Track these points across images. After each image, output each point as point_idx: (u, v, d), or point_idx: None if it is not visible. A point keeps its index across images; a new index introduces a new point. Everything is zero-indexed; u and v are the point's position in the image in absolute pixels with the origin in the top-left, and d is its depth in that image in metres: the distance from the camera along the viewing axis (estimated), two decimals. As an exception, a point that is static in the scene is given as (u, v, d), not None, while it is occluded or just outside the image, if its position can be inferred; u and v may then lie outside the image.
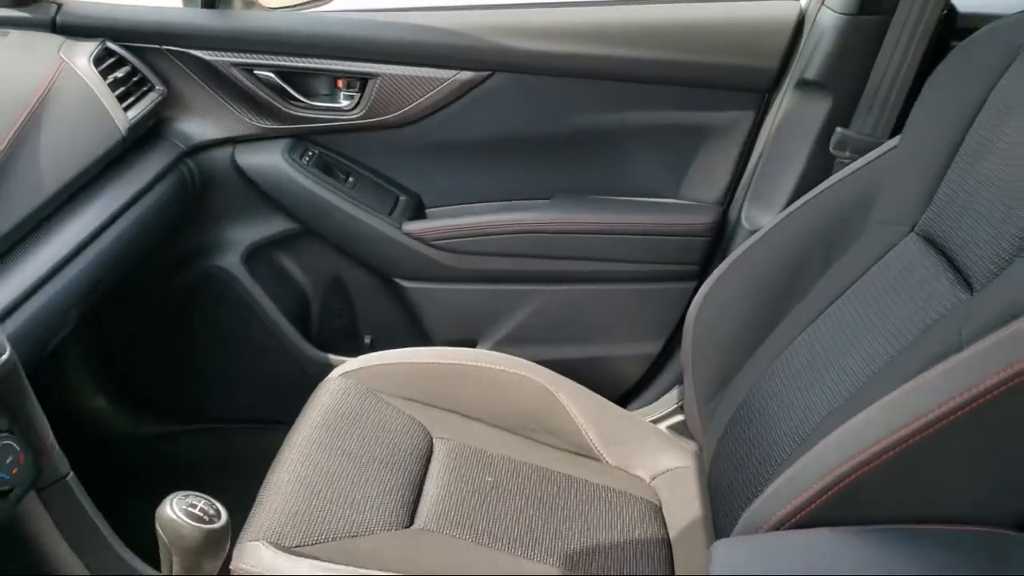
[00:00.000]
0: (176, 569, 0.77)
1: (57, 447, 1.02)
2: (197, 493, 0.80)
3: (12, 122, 1.15)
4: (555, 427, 1.37)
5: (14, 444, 0.88)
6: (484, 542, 1.12)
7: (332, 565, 1.02)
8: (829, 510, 0.86)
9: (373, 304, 1.71)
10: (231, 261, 1.63)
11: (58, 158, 1.21)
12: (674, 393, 1.62)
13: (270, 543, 1.02)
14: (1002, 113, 1.04)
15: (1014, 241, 0.91)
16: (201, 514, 0.78)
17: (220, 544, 0.79)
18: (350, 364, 1.38)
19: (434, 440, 1.27)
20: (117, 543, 1.07)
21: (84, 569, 1.01)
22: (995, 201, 0.98)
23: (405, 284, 1.66)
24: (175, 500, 0.78)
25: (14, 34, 1.39)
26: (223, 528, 0.79)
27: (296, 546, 1.03)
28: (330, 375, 1.37)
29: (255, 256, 1.66)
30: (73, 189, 1.24)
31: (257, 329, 1.66)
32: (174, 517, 0.76)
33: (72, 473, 1.03)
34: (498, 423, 1.36)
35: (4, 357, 0.87)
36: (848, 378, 1.02)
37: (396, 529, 1.11)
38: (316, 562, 1.01)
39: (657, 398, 1.65)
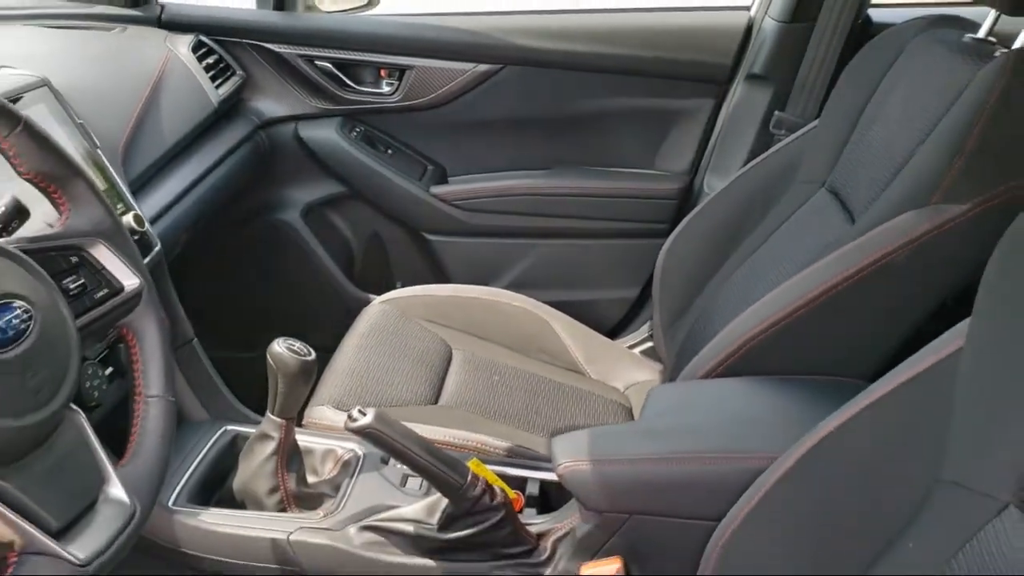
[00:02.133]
0: (281, 389, 1.09)
1: (185, 318, 1.32)
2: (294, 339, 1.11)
3: (141, 93, 1.45)
4: (549, 348, 1.63)
5: None
6: (490, 416, 1.39)
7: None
8: (738, 365, 1.18)
9: (404, 253, 1.98)
10: (292, 216, 1.91)
11: (172, 120, 1.50)
12: (646, 327, 1.85)
13: (332, 406, 1.34)
14: (886, 94, 1.34)
15: (884, 182, 1.21)
16: (298, 351, 1.09)
17: (310, 372, 1.09)
18: (386, 295, 1.66)
19: (453, 350, 1.54)
20: (229, 394, 1.37)
21: (206, 413, 1.32)
22: (876, 156, 1.27)
23: (430, 237, 1.94)
24: (280, 340, 1.09)
25: (130, 29, 1.69)
26: (312, 361, 1.09)
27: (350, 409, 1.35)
28: (371, 303, 1.67)
29: (311, 213, 1.94)
30: (183, 145, 1.52)
31: (311, 272, 1.93)
32: (280, 351, 1.07)
33: (196, 339, 1.34)
34: (503, 343, 1.62)
35: (157, 248, 1.19)
36: (768, 290, 1.29)
37: (424, 404, 1.40)
38: None
39: (633, 330, 1.89)
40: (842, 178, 1.37)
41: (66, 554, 0.65)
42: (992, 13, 1.24)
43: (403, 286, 1.77)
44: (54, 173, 0.78)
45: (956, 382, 0.76)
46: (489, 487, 1.01)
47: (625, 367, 1.65)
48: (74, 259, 0.78)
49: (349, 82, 1.86)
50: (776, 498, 0.87)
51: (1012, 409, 0.70)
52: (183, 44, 1.69)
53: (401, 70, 1.84)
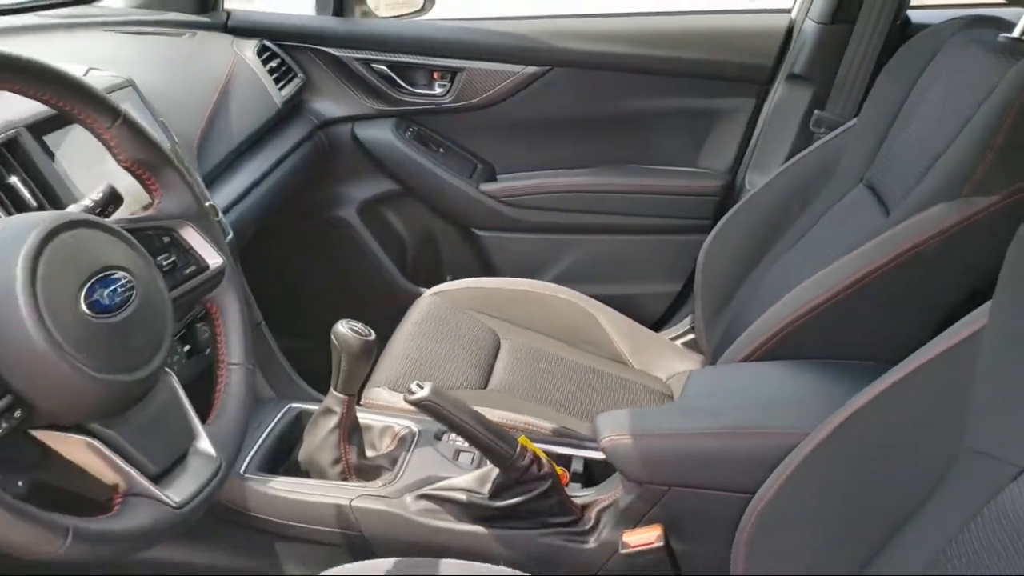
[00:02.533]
0: (343, 366, 1.17)
1: (254, 302, 1.40)
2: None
3: (212, 94, 1.55)
4: (593, 339, 1.68)
5: None
6: (537, 401, 1.45)
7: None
8: (775, 350, 1.24)
9: (454, 248, 2.06)
10: (348, 212, 2.00)
11: (240, 120, 1.59)
12: (688, 320, 1.89)
13: (387, 388, 1.42)
14: (922, 92, 1.38)
15: (918, 176, 1.26)
16: (360, 331, 1.17)
17: (370, 351, 1.17)
18: (437, 287, 1.72)
19: (501, 340, 1.61)
20: (294, 374, 1.45)
21: (272, 392, 1.39)
22: (911, 152, 1.32)
23: (479, 233, 2.02)
24: (344, 322, 1.17)
25: (199, 34, 1.78)
26: (372, 341, 1.16)
27: (405, 388, 1.41)
28: (423, 294, 1.74)
29: (366, 209, 2.02)
30: (249, 143, 1.61)
31: (366, 266, 2.02)
32: (344, 332, 1.15)
33: (263, 321, 1.42)
34: (549, 333, 1.67)
35: (230, 237, 1.28)
36: (806, 279, 1.35)
37: (473, 389, 1.46)
38: None
39: (676, 323, 1.94)
40: (879, 174, 1.41)
41: (164, 497, 0.73)
42: (1026, 12, 1.28)
43: (453, 279, 1.81)
44: (149, 161, 0.86)
45: (979, 359, 0.81)
46: (536, 458, 1.08)
47: (667, 358, 1.69)
48: (166, 239, 0.86)
49: (403, 84, 1.94)
50: (808, 471, 0.92)
51: None
52: (248, 48, 1.79)
53: (453, 72, 1.92)
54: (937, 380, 0.84)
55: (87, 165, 1.11)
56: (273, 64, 1.83)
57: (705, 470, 1.06)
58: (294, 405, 1.34)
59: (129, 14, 1.79)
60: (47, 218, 0.71)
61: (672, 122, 1.93)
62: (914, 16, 1.76)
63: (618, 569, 1.10)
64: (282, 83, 1.82)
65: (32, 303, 0.65)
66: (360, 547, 1.12)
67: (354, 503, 1.13)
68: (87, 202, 0.86)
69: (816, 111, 1.77)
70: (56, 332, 0.66)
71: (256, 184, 1.61)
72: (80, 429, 0.70)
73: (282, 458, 1.25)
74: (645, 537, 1.06)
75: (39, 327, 0.65)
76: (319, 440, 1.19)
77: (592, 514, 1.13)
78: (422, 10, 2.00)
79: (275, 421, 1.29)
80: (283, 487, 1.15)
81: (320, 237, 2.01)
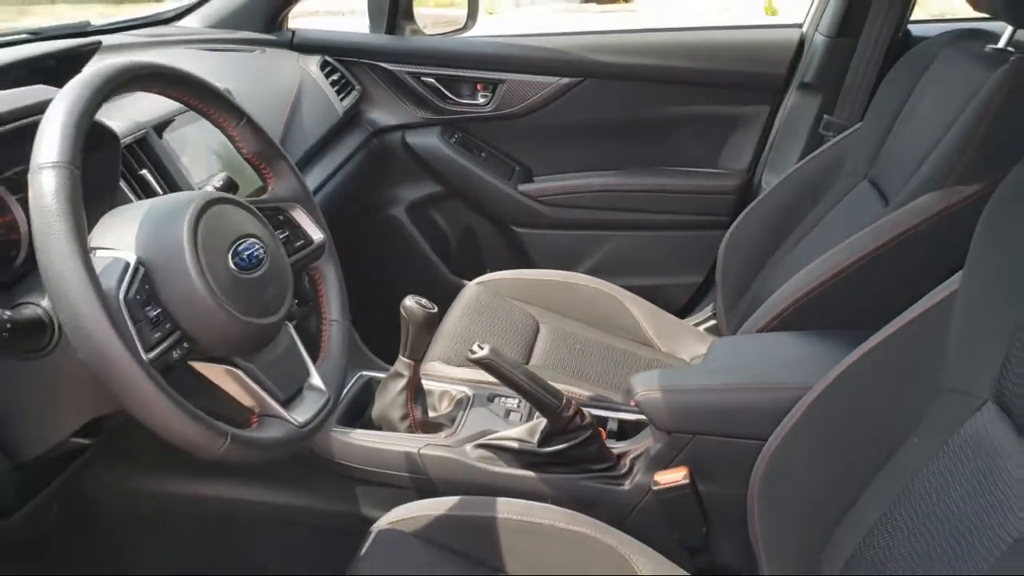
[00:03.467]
0: (411, 336, 1.34)
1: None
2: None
3: (285, 104, 1.73)
4: (623, 325, 1.83)
5: None
6: (573, 376, 1.61)
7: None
8: (787, 322, 1.40)
9: (493, 244, 2.23)
10: (399, 211, 2.18)
11: (309, 127, 1.77)
12: (710, 307, 2.06)
13: (442, 361, 1.59)
14: (918, 97, 1.53)
15: (912, 171, 1.41)
16: (424, 305, 1.34)
17: (432, 322, 1.34)
18: (480, 278, 1.88)
19: (539, 324, 1.76)
20: (363, 346, 1.62)
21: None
22: (907, 150, 1.47)
23: (518, 230, 2.19)
24: (410, 297, 1.34)
25: (269, 51, 1.97)
26: (435, 313, 1.33)
27: (457, 365, 1.59)
28: (468, 284, 1.91)
29: (414, 209, 2.20)
30: (316, 149, 1.79)
31: (413, 260, 2.19)
32: (411, 305, 1.32)
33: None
34: (582, 319, 1.83)
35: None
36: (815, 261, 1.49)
37: None
38: (467, 369, 1.53)
39: (699, 312, 2.10)
40: (880, 170, 1.57)
41: (290, 418, 0.91)
42: (1009, 27, 1.44)
43: (492, 272, 1.92)
44: (266, 154, 1.05)
45: (952, 316, 0.97)
46: (579, 410, 1.25)
47: (691, 341, 1.82)
48: (280, 218, 1.04)
49: (449, 95, 2.13)
50: (811, 418, 1.08)
51: (994, 324, 0.89)
52: (312, 63, 1.98)
53: (495, 84, 2.11)
54: (917, 335, 1.00)
55: (195, 159, 1.30)
56: (334, 77, 2.01)
57: (724, 420, 1.23)
58: (364, 373, 1.52)
59: (205, 33, 1.98)
60: (200, 195, 0.89)
61: (694, 127, 2.10)
62: (914, 30, 1.92)
63: (649, 508, 1.27)
64: (342, 95, 2.00)
65: (195, 260, 0.83)
66: (427, 489, 1.29)
67: (422, 451, 1.31)
68: (211, 188, 1.05)
69: (825, 116, 1.93)
70: (212, 283, 0.84)
71: (321, 187, 1.78)
72: (227, 362, 0.88)
73: (357, 416, 1.42)
74: (673, 476, 1.22)
75: (201, 279, 0.83)
76: (389, 399, 1.37)
77: (626, 461, 1.30)
78: (465, 28, 2.19)
79: (350, 386, 1.47)
80: (361, 438, 1.33)
81: (373, 234, 2.18)
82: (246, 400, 0.90)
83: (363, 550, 1.12)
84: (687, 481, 1.22)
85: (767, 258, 1.73)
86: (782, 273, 1.61)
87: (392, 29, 2.12)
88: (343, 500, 1.33)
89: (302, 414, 0.93)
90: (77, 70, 1.32)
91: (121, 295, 0.77)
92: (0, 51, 1.29)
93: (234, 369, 0.88)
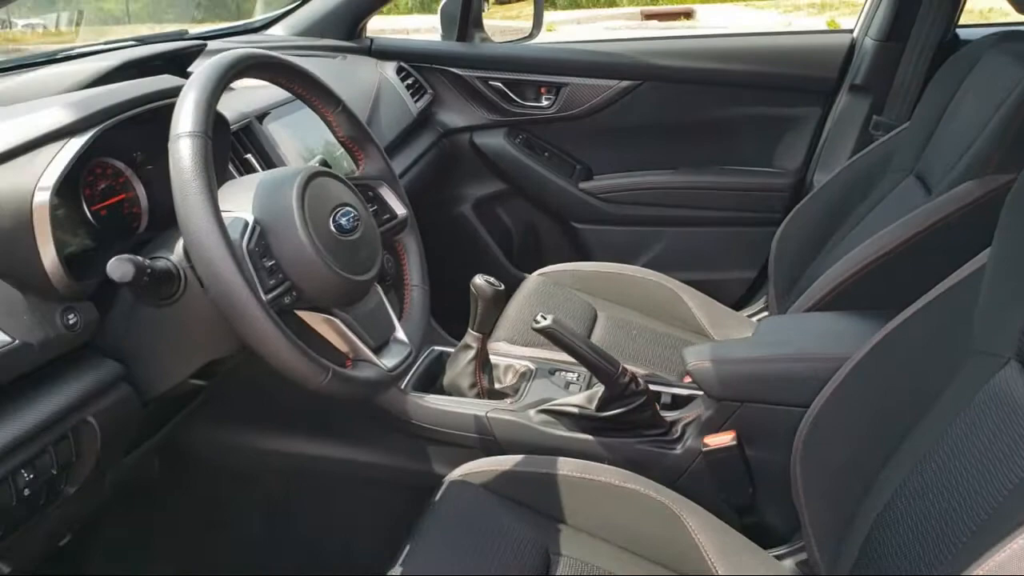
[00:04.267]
0: (480, 311, 1.46)
1: None
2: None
3: (366, 105, 1.87)
4: (678, 315, 1.90)
5: None
6: (630, 359, 1.67)
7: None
8: (832, 302, 1.48)
9: (554, 239, 2.34)
10: (466, 208, 2.31)
11: (386, 127, 1.91)
12: (763, 300, 2.13)
13: (506, 341, 1.70)
14: (962, 96, 1.61)
15: (953, 163, 1.49)
16: (492, 283, 1.46)
17: (500, 299, 1.45)
18: (542, 270, 1.98)
19: (597, 312, 1.85)
20: (434, 323, 1.73)
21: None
22: (951, 144, 1.55)
23: (578, 226, 2.30)
24: (480, 276, 1.46)
25: (350, 57, 2.12)
26: (503, 291, 1.45)
27: (521, 344, 1.69)
28: (530, 275, 2.02)
29: (480, 205, 2.33)
30: (392, 147, 1.92)
31: (479, 254, 2.31)
32: (481, 283, 1.44)
33: None
34: (639, 309, 1.91)
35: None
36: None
37: None
38: (529, 348, 1.65)
39: (752, 305, 2.17)
40: (925, 165, 1.65)
41: (380, 363, 1.03)
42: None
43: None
44: (358, 138, 1.18)
45: (981, 285, 1.05)
46: (634, 377, 1.35)
47: (744, 330, 1.85)
48: (370, 193, 1.18)
49: (515, 98, 2.25)
50: (849, 385, 1.16)
51: (1019, 289, 0.98)
52: (389, 68, 2.13)
53: (558, 87, 2.23)
54: (948, 306, 1.08)
55: (289, 147, 1.44)
56: (408, 82, 2.16)
57: (770, 388, 1.32)
58: (436, 347, 1.65)
59: (291, 40, 2.14)
60: (305, 169, 1.02)
61: (748, 128, 2.19)
62: (962, 33, 1.99)
63: (700, 471, 1.36)
64: (416, 97, 2.14)
65: (304, 222, 0.96)
66: (492, 449, 1.41)
67: (489, 414, 1.42)
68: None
69: (875, 116, 2.01)
70: (317, 241, 0.97)
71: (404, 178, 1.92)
72: (327, 311, 1.01)
73: (430, 384, 1.55)
74: (722, 439, 1.32)
75: (308, 238, 0.96)
76: (459, 369, 1.50)
77: (678, 427, 1.39)
78: (530, 36, 2.32)
79: (423, 358, 1.60)
80: (435, 402, 1.45)
81: (441, 229, 2.28)
82: (341, 346, 1.03)
83: (436, 497, 1.24)
84: (735, 443, 1.31)
85: (817, 251, 1.81)
86: (830, 263, 1.69)
87: (463, 37, 2.25)
88: (416, 458, 1.46)
89: (389, 361, 1.05)
90: (182, 70, 1.49)
91: (244, 246, 0.91)
92: (114, 53, 1.46)
93: (332, 318, 1.01)
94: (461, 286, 1.48)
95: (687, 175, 2.24)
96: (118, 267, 0.89)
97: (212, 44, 1.78)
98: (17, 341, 0.89)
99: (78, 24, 2.26)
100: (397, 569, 1.09)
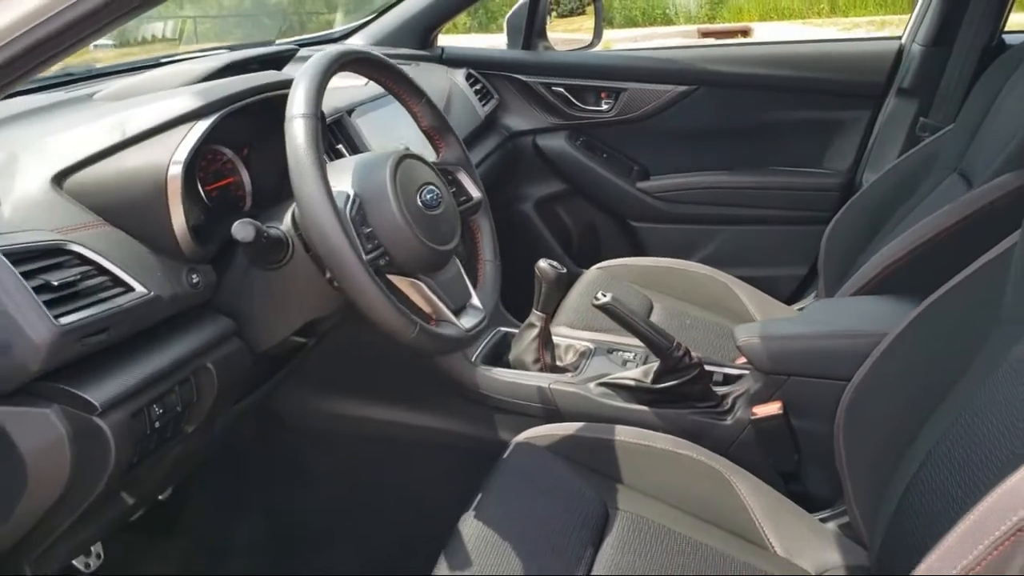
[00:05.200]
0: (543, 292, 1.57)
1: None
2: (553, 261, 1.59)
3: (440, 108, 2.03)
4: (730, 307, 1.99)
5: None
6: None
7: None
8: (875, 287, 1.56)
9: (612, 237, 2.45)
10: (528, 207, 2.44)
11: (456, 127, 2.02)
12: (813, 296, 2.19)
13: (567, 326, 1.81)
14: (1005, 97, 1.69)
15: (994, 158, 1.57)
16: (555, 266, 1.57)
17: (562, 281, 1.57)
18: (601, 264, 2.09)
19: (653, 303, 1.94)
20: (501, 306, 1.85)
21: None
22: (992, 142, 1.62)
23: (635, 224, 2.41)
24: (543, 260, 1.58)
25: (423, 64, 2.25)
26: (564, 273, 1.57)
27: (581, 328, 1.81)
28: (588, 269, 2.13)
29: (541, 205, 2.45)
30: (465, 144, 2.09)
31: (540, 251, 2.38)
32: (544, 266, 1.56)
33: None
34: (693, 302, 1.99)
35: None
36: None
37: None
38: (588, 332, 1.78)
39: (803, 300, 2.23)
40: (968, 163, 1.72)
41: (458, 323, 1.16)
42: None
43: None
44: (438, 127, 1.32)
45: (1012, 261, 1.14)
46: (687, 351, 1.45)
47: None
48: (449, 177, 1.31)
49: (576, 102, 2.37)
50: (888, 358, 1.24)
51: None
52: (459, 75, 2.27)
53: (617, 92, 2.34)
54: (981, 282, 1.15)
55: (374, 139, 1.58)
56: (476, 87, 2.30)
57: (815, 362, 1.41)
58: (502, 328, 1.77)
59: (369, 49, 2.29)
60: (396, 152, 1.16)
61: (800, 130, 2.28)
62: (1008, 39, 2.05)
63: (748, 441, 1.46)
64: (483, 102, 2.28)
65: (396, 197, 1.09)
66: (554, 418, 1.51)
67: (551, 386, 1.54)
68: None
69: (921, 118, 2.08)
70: (407, 214, 1.10)
71: None
72: (413, 276, 1.14)
73: (497, 361, 1.67)
74: (769, 409, 1.41)
75: (399, 211, 1.09)
76: (524, 345, 1.61)
77: (729, 400, 1.49)
78: (591, 45, 2.44)
79: (490, 337, 1.72)
80: (502, 374, 1.57)
81: (505, 226, 2.40)
82: (425, 307, 1.15)
83: (504, 456, 1.36)
84: (781, 412, 1.41)
85: (865, 246, 1.88)
86: (876, 249, 1.77)
87: (527, 46, 2.38)
88: (484, 425, 1.58)
89: (467, 322, 1.18)
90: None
91: (347, 213, 1.04)
92: (216, 56, 1.61)
93: (418, 282, 1.14)
94: (523, 280, 1.60)
95: (740, 175, 2.34)
96: (242, 229, 1.03)
97: (303, 51, 1.94)
98: (153, 293, 1.03)
99: (145, 42, 2.44)
100: (471, 514, 1.21)
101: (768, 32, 9.85)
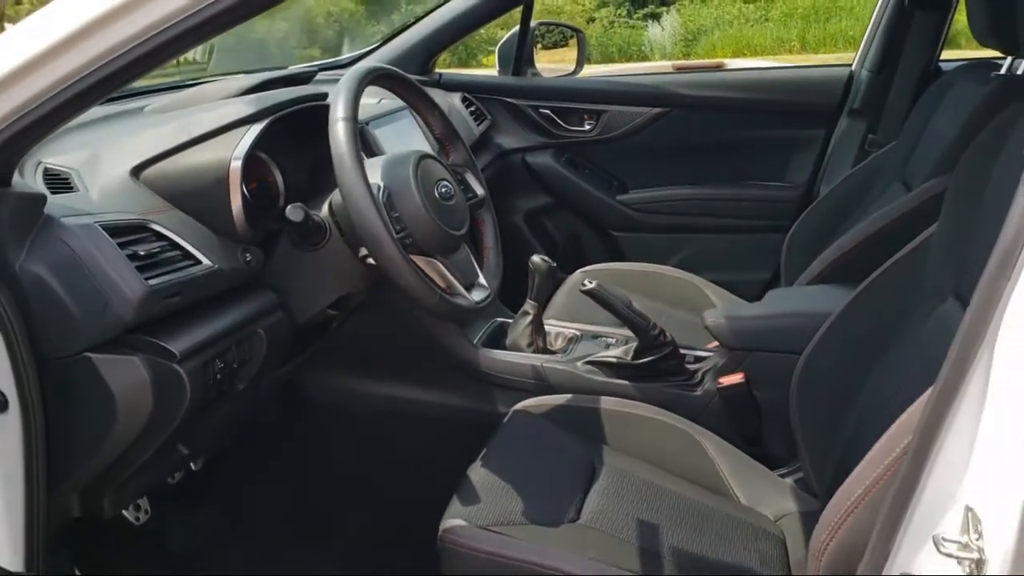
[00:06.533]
0: (536, 283, 1.77)
1: None
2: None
3: None
4: (700, 305, 2.11)
5: None
6: None
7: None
8: (827, 277, 1.77)
9: (594, 245, 2.65)
10: (518, 219, 2.64)
11: None
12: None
13: (556, 319, 2.01)
14: (939, 114, 1.90)
15: (929, 164, 1.80)
16: (547, 260, 1.78)
17: (554, 274, 1.78)
18: (583, 268, 2.31)
19: (632, 302, 2.19)
20: (497, 300, 2.06)
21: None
22: (926, 153, 1.85)
23: (615, 233, 2.62)
24: (536, 255, 1.79)
25: (422, 88, 2.50)
26: (555, 267, 1.77)
27: (568, 321, 2.01)
28: (573, 274, 2.33)
29: (529, 217, 2.66)
30: None
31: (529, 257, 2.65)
32: (537, 260, 1.77)
33: None
34: (666, 300, 2.17)
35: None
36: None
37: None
38: (575, 324, 1.98)
39: None
40: (908, 172, 1.94)
41: (469, 296, 1.36)
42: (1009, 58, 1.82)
43: None
44: (448, 134, 1.53)
45: (930, 246, 1.35)
46: (663, 331, 1.66)
47: None
48: (457, 176, 1.51)
49: (561, 123, 2.59)
50: (831, 333, 1.42)
51: (954, 245, 1.26)
52: (455, 98, 2.48)
53: (598, 114, 2.57)
54: (906, 265, 1.35)
55: (388, 144, 1.79)
56: (471, 109, 2.51)
57: (773, 339, 1.62)
58: (498, 319, 1.97)
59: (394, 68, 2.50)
60: (417, 152, 1.36)
61: (762, 147, 2.52)
62: (944, 66, 2.30)
63: (716, 409, 1.66)
64: (478, 122, 2.49)
65: (418, 189, 1.30)
66: (547, 393, 1.70)
67: (544, 364, 1.74)
68: None
69: (870, 135, 2.32)
70: (427, 203, 1.30)
71: None
72: (432, 255, 1.34)
73: (495, 344, 1.87)
74: (733, 378, 1.62)
75: (421, 200, 1.30)
76: (519, 331, 1.82)
77: (699, 374, 1.70)
78: (574, 73, 2.68)
79: (488, 325, 1.92)
80: (500, 355, 1.77)
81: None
82: (440, 282, 1.35)
83: (504, 421, 1.55)
84: (744, 381, 1.61)
85: (822, 248, 2.08)
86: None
87: (517, 72, 2.61)
88: (485, 399, 1.77)
89: (476, 296, 1.38)
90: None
91: (380, 199, 1.25)
92: (248, 76, 1.83)
93: (434, 260, 1.34)
94: (514, 285, 1.77)
95: (709, 188, 2.56)
96: (294, 211, 1.23)
97: (321, 74, 2.16)
98: (216, 266, 1.23)
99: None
100: (478, 464, 1.39)
101: (740, 67, 10.17)
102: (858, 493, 0.99)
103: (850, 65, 2.47)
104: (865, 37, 2.44)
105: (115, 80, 0.97)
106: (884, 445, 0.99)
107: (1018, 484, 0.74)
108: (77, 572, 1.33)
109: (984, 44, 1.81)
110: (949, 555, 0.79)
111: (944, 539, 0.79)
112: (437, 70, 2.62)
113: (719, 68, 10.33)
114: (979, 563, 0.77)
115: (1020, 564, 0.74)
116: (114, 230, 1.11)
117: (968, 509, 0.80)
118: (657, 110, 2.53)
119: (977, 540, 0.78)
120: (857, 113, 2.39)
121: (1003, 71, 1.82)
